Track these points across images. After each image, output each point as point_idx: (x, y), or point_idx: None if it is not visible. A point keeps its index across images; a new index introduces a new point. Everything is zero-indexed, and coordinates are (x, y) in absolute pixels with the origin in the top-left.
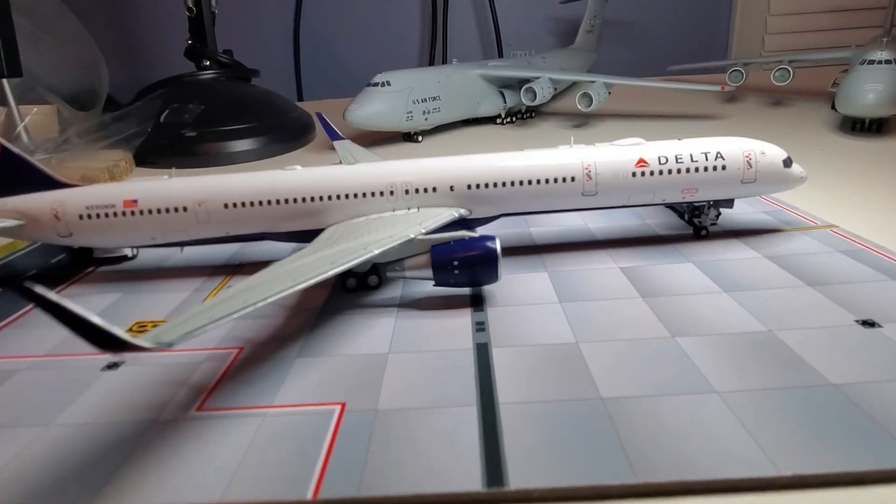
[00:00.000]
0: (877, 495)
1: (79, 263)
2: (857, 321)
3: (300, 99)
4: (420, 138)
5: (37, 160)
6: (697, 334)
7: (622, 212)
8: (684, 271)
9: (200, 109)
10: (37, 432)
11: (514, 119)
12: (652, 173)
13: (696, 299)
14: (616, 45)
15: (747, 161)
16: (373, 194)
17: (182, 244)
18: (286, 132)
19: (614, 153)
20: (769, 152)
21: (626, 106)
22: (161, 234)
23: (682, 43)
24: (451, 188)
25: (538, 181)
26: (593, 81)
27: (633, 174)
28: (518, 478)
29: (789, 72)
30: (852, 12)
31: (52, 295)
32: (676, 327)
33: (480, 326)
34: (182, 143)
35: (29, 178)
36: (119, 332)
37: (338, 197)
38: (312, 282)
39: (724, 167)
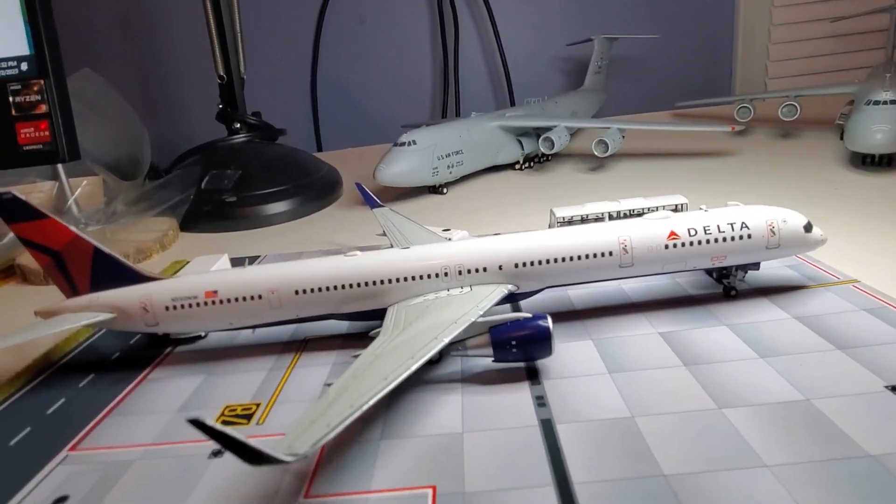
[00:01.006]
0: None
1: (156, 344)
2: (886, 387)
3: (319, 149)
4: (445, 190)
5: (89, 232)
6: (742, 405)
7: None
8: (720, 335)
9: (238, 175)
10: None
11: (531, 164)
12: (683, 244)
13: (734, 366)
14: (624, 81)
15: (770, 229)
16: (428, 276)
17: (255, 326)
18: (316, 191)
19: (647, 227)
20: (790, 220)
21: (638, 144)
22: (238, 320)
23: (688, 78)
24: (500, 267)
25: (579, 257)
26: (608, 128)
27: (666, 246)
28: None
29: (796, 108)
30: (854, 36)
31: (215, 424)
32: (722, 398)
33: (541, 401)
34: (223, 208)
35: (119, 274)
36: (267, 450)
37: (396, 280)
38: (401, 378)
39: (749, 236)
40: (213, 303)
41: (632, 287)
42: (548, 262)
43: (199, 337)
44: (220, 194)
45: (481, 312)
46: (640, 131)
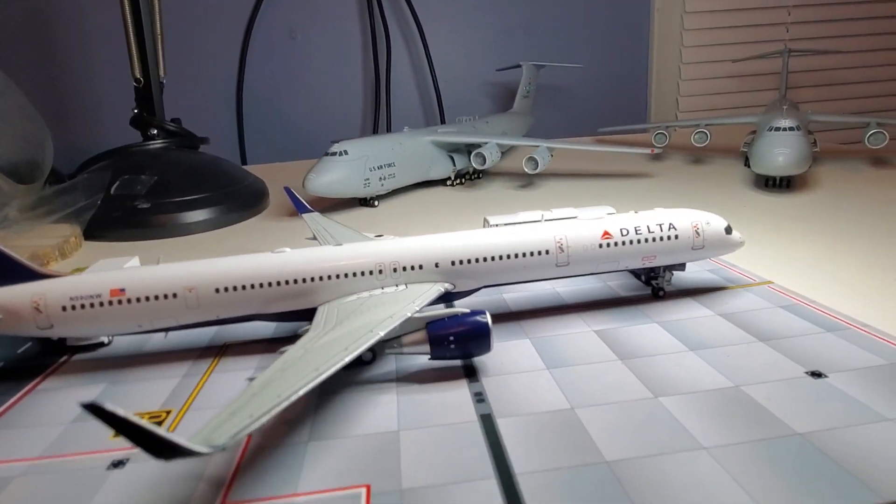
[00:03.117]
0: None
1: (49, 352)
2: (806, 373)
3: (244, 163)
4: (377, 203)
5: None
6: (677, 393)
7: (586, 276)
8: (651, 332)
9: (153, 180)
10: None
11: (462, 181)
12: (616, 244)
13: (667, 359)
14: (550, 108)
15: (695, 231)
16: (363, 273)
17: (168, 329)
18: (240, 200)
19: (582, 227)
20: (713, 222)
21: (565, 166)
22: (149, 322)
23: (608, 106)
24: (437, 265)
25: (516, 255)
26: (537, 146)
27: (600, 245)
28: None
29: (707, 135)
30: (752, 77)
31: (114, 408)
32: (657, 388)
33: (480, 397)
34: (135, 215)
35: (6, 270)
36: (179, 439)
37: (328, 277)
38: (334, 370)
39: (676, 237)
40: (120, 302)
41: (566, 290)
42: (485, 259)
43: (102, 344)
44: (133, 200)
45: (417, 309)
46: (567, 152)
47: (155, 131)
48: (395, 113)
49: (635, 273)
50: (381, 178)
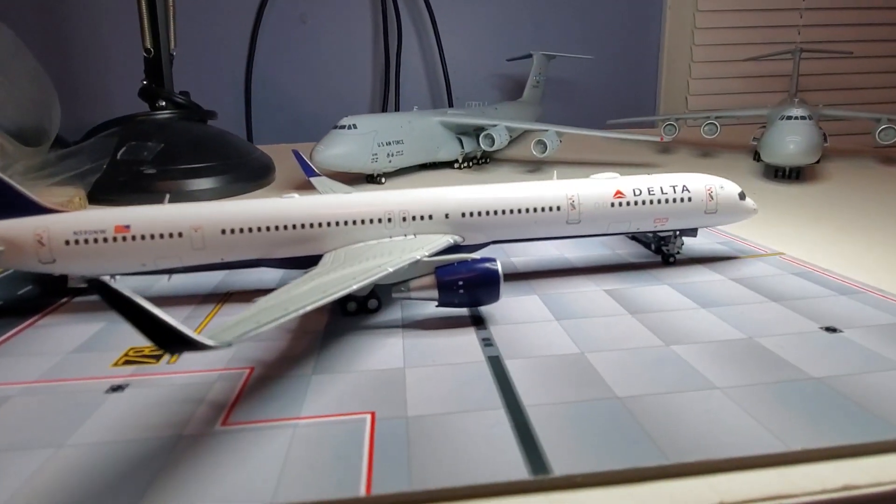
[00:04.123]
0: (874, 463)
1: (50, 294)
2: (821, 328)
3: (250, 142)
4: (383, 180)
5: None
6: (688, 342)
7: (594, 243)
8: (662, 291)
9: (160, 147)
10: (48, 455)
11: (470, 164)
12: (629, 204)
13: (679, 314)
14: (558, 100)
15: (709, 194)
16: (371, 221)
17: (172, 271)
18: (246, 172)
19: (595, 185)
20: (727, 187)
21: (573, 155)
22: (152, 261)
23: (617, 100)
24: (447, 216)
25: (527, 210)
26: (546, 130)
27: (612, 204)
28: (560, 466)
29: (716, 126)
30: (763, 78)
31: (121, 288)
32: (669, 337)
33: (488, 342)
34: (140, 180)
35: (12, 203)
36: (186, 329)
37: (336, 224)
38: (342, 293)
39: (689, 199)
40: (125, 239)
41: (575, 255)
42: (495, 213)
43: None
44: (139, 165)
45: (427, 254)
46: (576, 143)
47: (163, 103)
48: (403, 99)
49: (645, 242)
50: (388, 155)
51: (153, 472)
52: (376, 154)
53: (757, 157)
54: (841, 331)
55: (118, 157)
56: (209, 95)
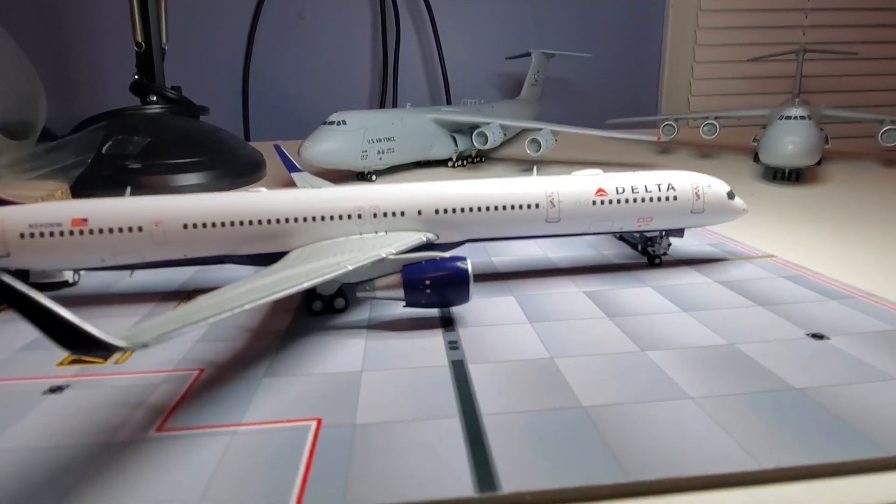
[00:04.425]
0: (853, 484)
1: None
2: (807, 334)
3: (247, 139)
4: (374, 177)
5: None
6: (665, 348)
7: (579, 243)
8: (644, 294)
9: (146, 142)
10: None
11: (464, 163)
12: (611, 202)
13: (658, 318)
14: (557, 100)
15: (696, 193)
16: (340, 217)
17: (133, 267)
18: (235, 168)
19: (575, 182)
20: (714, 186)
21: (569, 154)
22: (112, 256)
23: (617, 100)
24: (419, 212)
25: (504, 207)
26: (541, 129)
27: (594, 202)
28: (509, 482)
29: (716, 127)
30: (764, 79)
31: (19, 284)
32: (645, 343)
33: (454, 345)
34: (125, 174)
35: None
36: (94, 329)
37: (304, 219)
38: (289, 292)
39: (675, 198)
40: (82, 233)
41: (557, 255)
42: (470, 210)
43: (66, 283)
44: (124, 160)
45: (394, 252)
46: (573, 142)
47: (154, 98)
48: (402, 97)
49: (631, 242)
50: (379, 152)
51: (74, 479)
52: (366, 151)
53: (757, 158)
54: (828, 338)
55: (103, 151)
56: (206, 91)
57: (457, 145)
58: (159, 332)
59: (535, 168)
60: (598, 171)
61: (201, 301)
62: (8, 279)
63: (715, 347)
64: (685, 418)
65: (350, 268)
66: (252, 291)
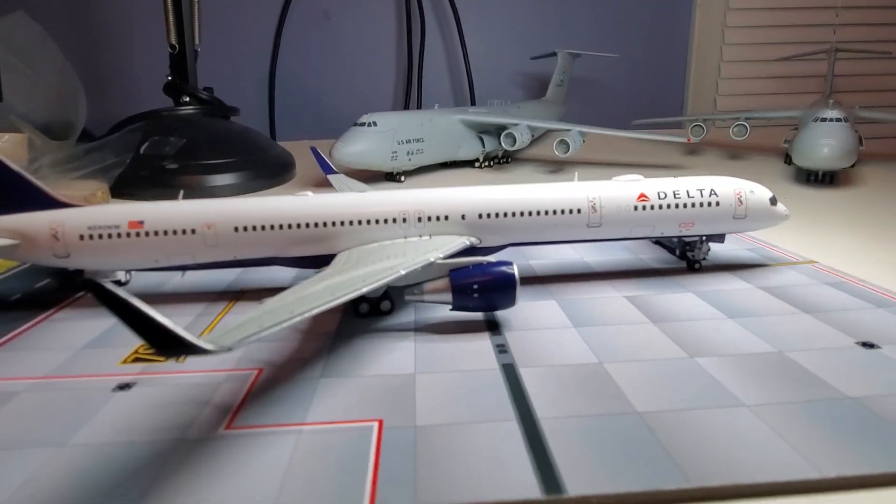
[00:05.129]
0: None
1: (66, 289)
2: (857, 343)
3: (273, 139)
4: (403, 178)
5: None
6: (714, 355)
7: (617, 247)
8: (686, 300)
9: (182, 142)
10: (50, 453)
11: (491, 163)
12: (652, 207)
13: (703, 324)
14: (583, 100)
15: (738, 198)
16: (385, 221)
17: (185, 268)
18: (267, 169)
19: (617, 188)
20: (757, 191)
21: (596, 155)
22: (165, 257)
23: (643, 100)
24: (463, 217)
25: (546, 212)
26: (569, 129)
27: (635, 208)
28: (574, 485)
29: (746, 127)
30: (793, 79)
31: (116, 290)
32: (693, 349)
33: (502, 348)
34: (162, 175)
35: (27, 197)
36: (184, 332)
37: (350, 223)
38: (352, 296)
39: (717, 203)
40: (138, 234)
41: (595, 260)
42: (513, 214)
43: (119, 282)
44: (161, 160)
45: (441, 256)
46: (600, 143)
47: (187, 98)
48: (426, 97)
49: (669, 247)
50: (408, 153)
51: (152, 475)
52: (396, 152)
53: (788, 160)
54: (879, 346)
55: (141, 151)
56: (233, 92)
57: (484, 146)
58: (241, 337)
59: (576, 174)
60: (638, 176)
61: (271, 304)
62: (108, 285)
63: (764, 355)
64: (741, 426)
65: (403, 272)
66: (316, 296)
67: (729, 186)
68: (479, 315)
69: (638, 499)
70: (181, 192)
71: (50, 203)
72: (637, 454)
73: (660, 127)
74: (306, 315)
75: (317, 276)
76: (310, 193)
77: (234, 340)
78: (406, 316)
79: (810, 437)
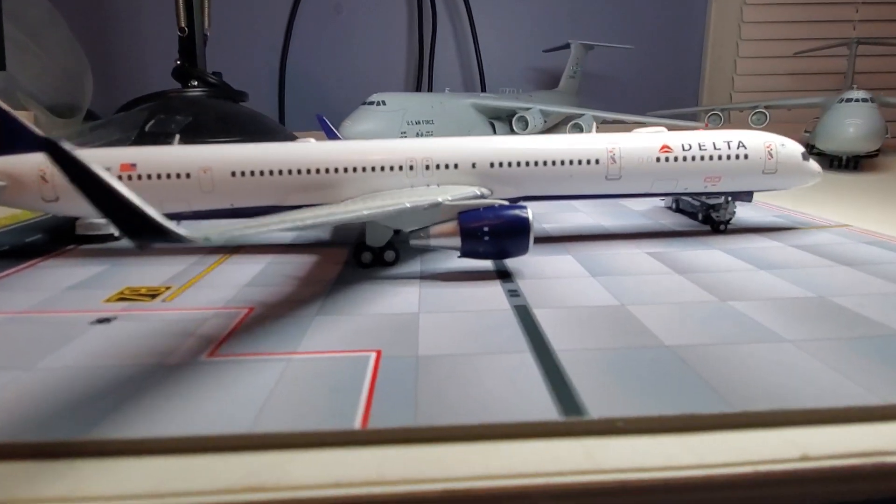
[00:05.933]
0: None
1: (57, 242)
2: None
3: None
4: None
5: None
6: (747, 299)
7: (634, 214)
8: (713, 255)
9: (188, 121)
10: (12, 376)
11: None
12: (676, 159)
13: (734, 274)
14: (596, 93)
15: (768, 151)
16: (391, 168)
17: (180, 217)
18: None
19: (639, 139)
20: (788, 145)
21: None
22: (158, 203)
23: (656, 95)
24: (474, 165)
25: (562, 162)
26: (583, 114)
27: (658, 159)
28: (597, 409)
29: (766, 115)
30: (810, 76)
31: (83, 158)
32: (724, 294)
33: (514, 293)
34: None
35: (16, 138)
36: (160, 216)
37: (353, 170)
38: (350, 217)
39: (746, 156)
40: (130, 178)
41: (613, 224)
42: (527, 164)
43: (111, 236)
44: (166, 138)
45: (450, 198)
46: (612, 131)
47: (195, 82)
48: (436, 90)
49: (691, 212)
50: (418, 134)
51: (123, 396)
52: (405, 132)
53: (810, 149)
54: None
55: (146, 129)
56: (243, 79)
57: (495, 131)
58: (222, 230)
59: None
60: (662, 128)
61: (265, 219)
62: (70, 148)
63: (804, 299)
64: (787, 358)
65: (408, 205)
66: (313, 214)
67: (759, 139)
68: (488, 264)
69: (671, 423)
70: (177, 137)
71: (39, 144)
72: (668, 382)
73: (675, 118)
74: (297, 222)
75: (322, 206)
76: (312, 140)
77: (216, 234)
78: (411, 266)
79: (864, 369)
